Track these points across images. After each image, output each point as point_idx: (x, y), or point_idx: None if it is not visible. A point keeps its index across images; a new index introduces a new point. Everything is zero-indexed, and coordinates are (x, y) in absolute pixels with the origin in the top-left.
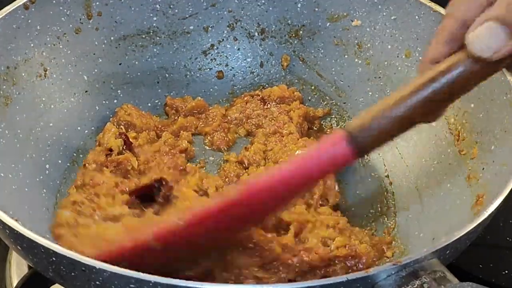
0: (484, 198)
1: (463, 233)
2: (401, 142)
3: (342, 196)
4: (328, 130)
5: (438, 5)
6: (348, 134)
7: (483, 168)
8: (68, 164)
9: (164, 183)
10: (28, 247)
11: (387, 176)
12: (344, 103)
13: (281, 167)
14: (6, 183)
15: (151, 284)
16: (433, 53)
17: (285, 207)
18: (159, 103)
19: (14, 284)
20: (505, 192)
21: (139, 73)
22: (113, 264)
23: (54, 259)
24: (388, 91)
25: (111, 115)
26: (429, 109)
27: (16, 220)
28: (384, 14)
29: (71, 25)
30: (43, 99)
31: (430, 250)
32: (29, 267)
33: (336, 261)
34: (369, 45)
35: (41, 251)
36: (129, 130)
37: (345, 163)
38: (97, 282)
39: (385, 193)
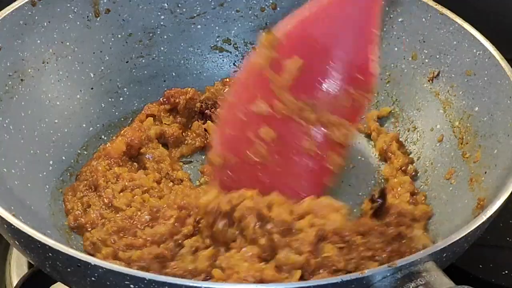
0: (485, 202)
1: (459, 237)
2: (404, 144)
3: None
4: None
5: (444, 7)
6: None
7: (486, 172)
8: (72, 161)
9: None
10: (25, 242)
11: None
12: None
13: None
14: (9, 178)
15: (145, 281)
16: None
17: None
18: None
19: (14, 284)
20: (504, 197)
21: (145, 71)
22: None
23: (50, 254)
24: (394, 93)
25: (116, 113)
26: None
27: (14, 215)
28: (391, 16)
29: (78, 22)
30: (49, 95)
31: (426, 253)
32: (29, 267)
33: None
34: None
35: (37, 246)
36: None
37: None
38: (93, 278)
39: None
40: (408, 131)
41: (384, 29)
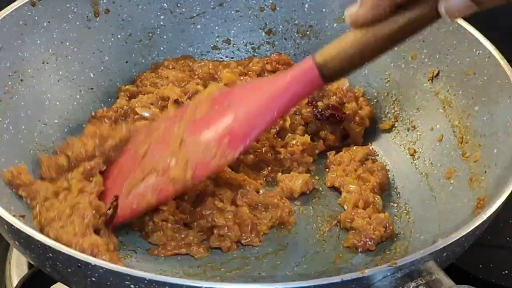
0: (485, 201)
1: (459, 236)
2: (405, 144)
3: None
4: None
5: None
6: (318, 62)
7: (485, 171)
8: None
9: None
10: (26, 243)
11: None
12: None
13: (253, 83)
14: None
15: (146, 281)
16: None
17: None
18: None
19: (14, 284)
20: (504, 196)
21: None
22: None
23: (50, 255)
24: (394, 92)
25: None
26: (386, 44)
27: (14, 215)
28: None
29: (78, 22)
30: (48, 95)
31: (426, 252)
32: (29, 267)
33: None
34: None
35: (37, 246)
36: None
37: (313, 89)
38: (93, 278)
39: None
40: (407, 130)
41: None
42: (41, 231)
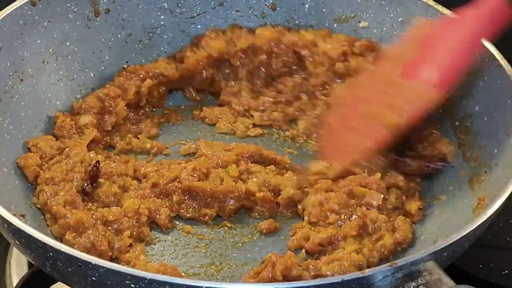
0: (485, 201)
1: (460, 236)
2: None
3: None
4: None
5: (444, 7)
6: None
7: (486, 171)
8: None
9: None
10: (26, 242)
11: None
12: None
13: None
14: (9, 178)
15: (146, 281)
16: None
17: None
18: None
19: (14, 284)
20: (504, 196)
21: None
22: None
23: (51, 254)
24: None
25: None
26: None
27: (14, 215)
28: (391, 16)
29: (78, 22)
30: (49, 95)
31: (427, 252)
32: (29, 267)
33: None
34: None
35: (38, 246)
36: None
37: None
38: (93, 278)
39: None
40: None
41: (384, 28)
42: (37, 195)
